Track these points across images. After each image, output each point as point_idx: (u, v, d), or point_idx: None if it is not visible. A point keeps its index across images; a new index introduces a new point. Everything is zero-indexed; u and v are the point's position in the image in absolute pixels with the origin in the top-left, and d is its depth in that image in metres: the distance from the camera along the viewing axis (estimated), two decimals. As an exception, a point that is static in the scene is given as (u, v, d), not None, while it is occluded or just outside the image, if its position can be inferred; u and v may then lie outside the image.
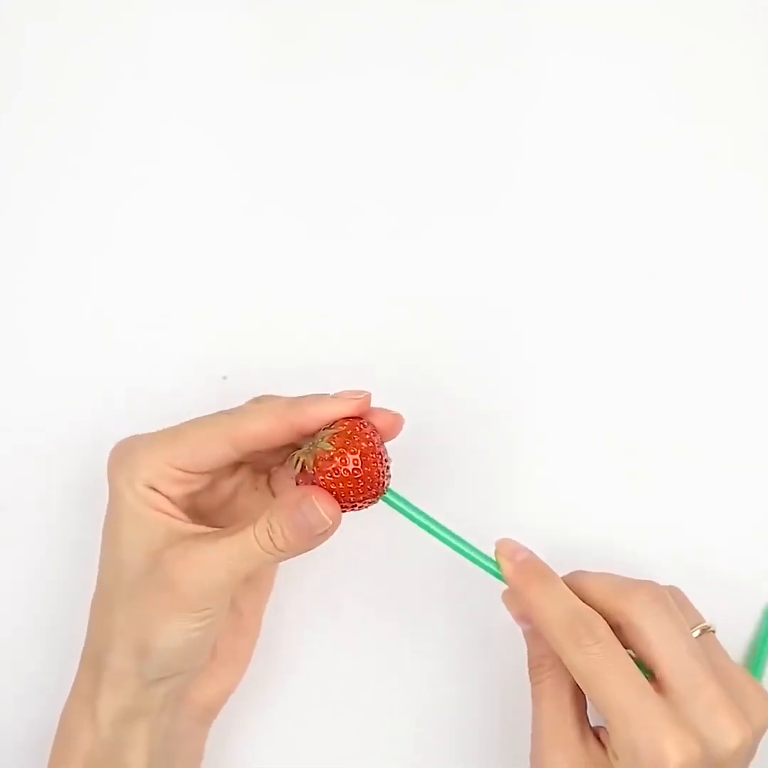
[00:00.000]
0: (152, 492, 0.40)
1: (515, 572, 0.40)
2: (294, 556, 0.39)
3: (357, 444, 0.38)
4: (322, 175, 0.49)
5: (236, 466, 0.43)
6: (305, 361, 0.48)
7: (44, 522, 0.48)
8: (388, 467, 0.39)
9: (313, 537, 0.38)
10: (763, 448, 0.49)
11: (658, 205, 0.49)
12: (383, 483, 0.39)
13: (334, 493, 0.38)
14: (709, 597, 0.42)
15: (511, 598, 0.42)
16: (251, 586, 0.44)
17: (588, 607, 0.39)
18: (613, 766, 0.38)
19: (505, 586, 0.41)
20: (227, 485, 0.44)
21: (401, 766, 0.47)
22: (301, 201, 0.49)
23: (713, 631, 0.41)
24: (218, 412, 0.41)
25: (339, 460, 0.38)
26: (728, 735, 0.37)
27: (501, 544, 0.41)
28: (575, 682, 0.39)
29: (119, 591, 0.40)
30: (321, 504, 0.38)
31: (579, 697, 0.40)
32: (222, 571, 0.38)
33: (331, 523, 0.38)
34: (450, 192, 0.49)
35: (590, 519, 0.48)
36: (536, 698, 0.41)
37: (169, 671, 0.40)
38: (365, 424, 0.39)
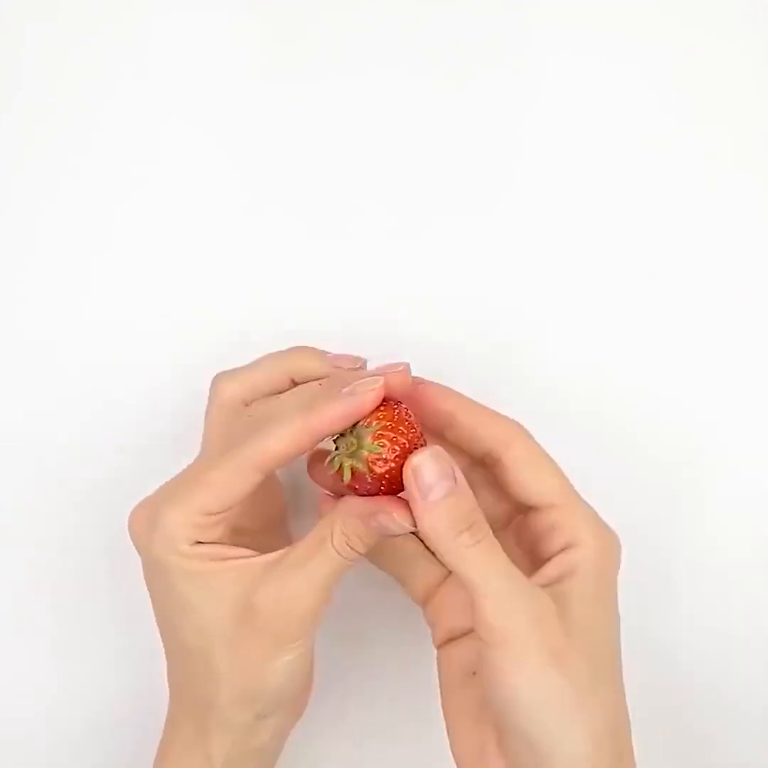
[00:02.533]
0: (199, 546, 0.38)
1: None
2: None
3: (404, 435, 0.37)
4: (322, 175, 0.49)
5: None
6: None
7: (42, 521, 0.48)
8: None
9: (390, 535, 0.38)
10: (763, 447, 0.49)
11: (658, 205, 0.49)
12: None
13: (391, 486, 0.37)
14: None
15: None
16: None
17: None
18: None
19: None
20: None
21: (402, 765, 0.48)
22: (301, 201, 0.49)
23: None
24: (232, 446, 0.38)
25: (393, 461, 0.37)
26: (613, 538, 0.40)
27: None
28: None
29: (213, 648, 0.38)
30: (399, 515, 0.37)
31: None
32: (317, 594, 0.38)
33: (410, 529, 0.37)
34: (450, 192, 0.49)
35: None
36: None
37: (280, 706, 0.40)
38: (399, 407, 0.38)
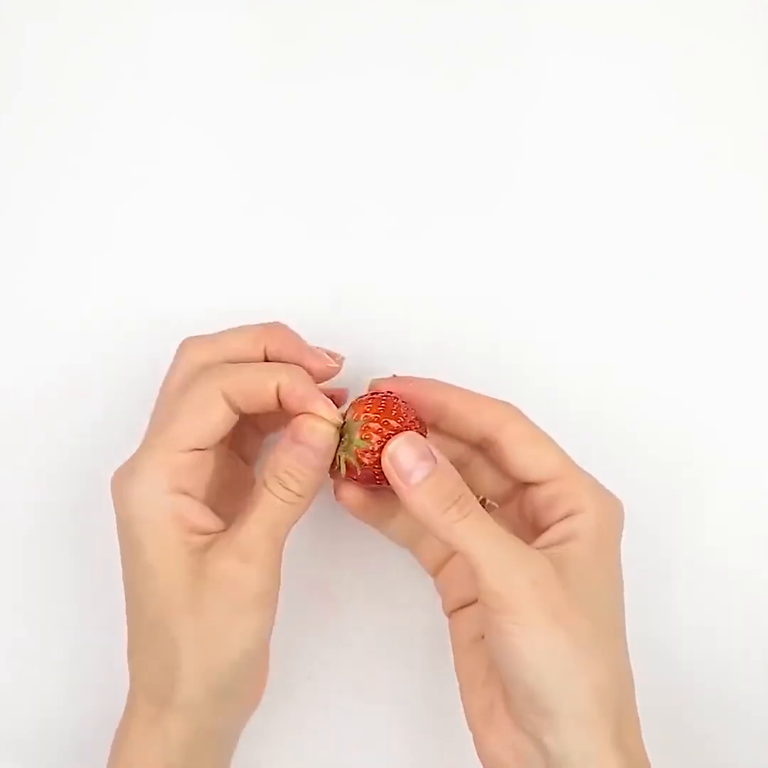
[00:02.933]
0: (172, 500, 0.39)
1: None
2: (314, 497, 0.39)
3: (389, 426, 0.38)
4: (322, 175, 0.49)
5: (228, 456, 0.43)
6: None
7: (41, 520, 0.48)
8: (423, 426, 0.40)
9: (319, 459, 0.38)
10: (763, 447, 0.49)
11: (658, 205, 0.49)
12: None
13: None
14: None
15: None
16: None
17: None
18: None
19: None
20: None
21: (403, 763, 0.48)
22: (301, 201, 0.49)
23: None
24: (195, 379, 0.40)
25: (379, 452, 0.38)
26: (615, 503, 0.41)
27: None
28: None
29: (173, 616, 0.38)
30: (314, 419, 0.38)
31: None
32: (268, 546, 0.38)
33: (333, 421, 0.38)
34: (450, 192, 0.49)
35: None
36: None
37: (237, 682, 0.39)
38: (387, 398, 0.39)
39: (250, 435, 0.45)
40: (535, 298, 0.49)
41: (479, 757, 0.41)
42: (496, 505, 0.42)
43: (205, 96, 0.49)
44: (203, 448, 0.40)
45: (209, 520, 0.40)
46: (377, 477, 0.39)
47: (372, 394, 0.40)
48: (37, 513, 0.48)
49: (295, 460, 0.39)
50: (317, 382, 0.40)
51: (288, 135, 0.49)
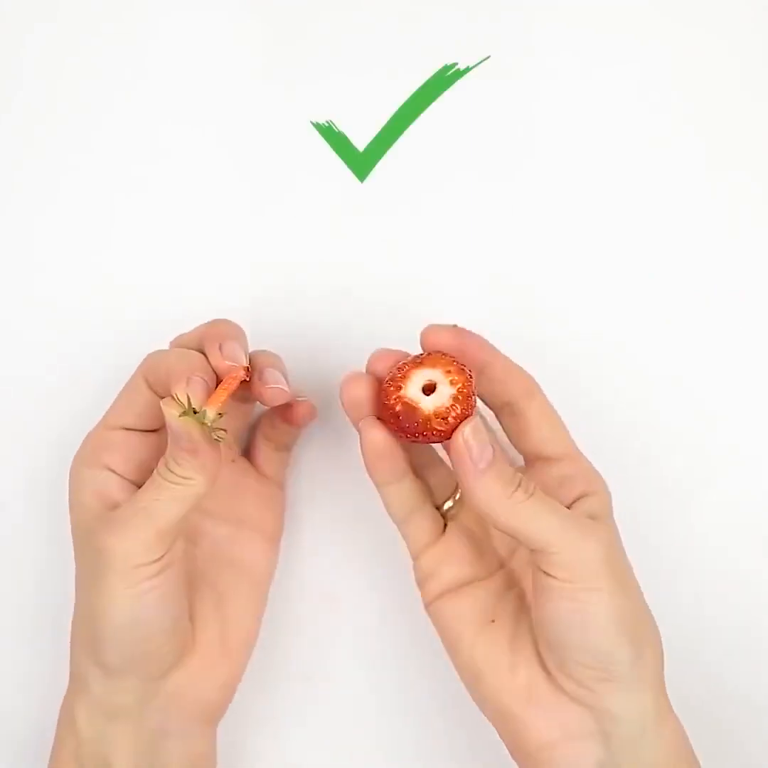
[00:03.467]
0: (91, 470, 0.41)
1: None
2: (207, 482, 0.39)
3: (467, 394, 0.39)
4: (323, 175, 0.49)
5: None
6: (306, 361, 0.48)
7: (43, 520, 0.48)
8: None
9: (188, 439, 0.38)
10: (763, 447, 0.49)
11: (658, 204, 0.49)
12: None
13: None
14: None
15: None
16: (231, 573, 0.44)
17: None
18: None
19: None
20: None
21: (404, 763, 0.47)
22: (302, 201, 0.49)
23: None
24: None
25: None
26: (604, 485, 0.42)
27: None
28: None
29: (78, 589, 0.41)
30: (163, 404, 0.38)
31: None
32: (137, 521, 0.39)
33: (168, 411, 0.38)
34: (449, 194, 0.49)
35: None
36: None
37: (126, 655, 0.40)
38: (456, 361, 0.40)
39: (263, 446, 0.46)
40: (534, 299, 0.49)
41: (516, 745, 0.40)
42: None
43: (205, 96, 0.49)
44: (130, 427, 0.41)
45: (129, 496, 0.40)
46: (428, 432, 0.39)
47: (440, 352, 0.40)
48: (36, 513, 0.48)
49: (171, 443, 0.39)
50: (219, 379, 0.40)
51: (288, 135, 0.49)
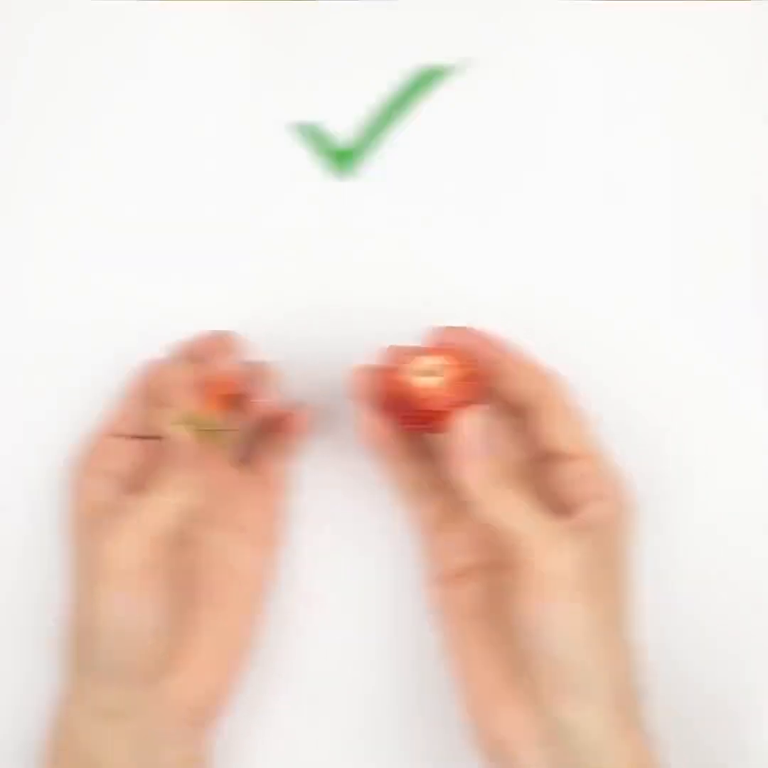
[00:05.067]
0: (82, 474, 0.42)
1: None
2: (201, 492, 0.40)
3: (469, 385, 0.40)
4: (323, 175, 0.49)
5: None
6: (307, 363, 0.48)
7: (42, 525, 0.48)
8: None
9: (183, 448, 0.39)
10: (763, 447, 0.49)
11: (657, 205, 0.49)
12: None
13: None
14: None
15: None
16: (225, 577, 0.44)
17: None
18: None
19: None
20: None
21: (404, 763, 0.48)
22: (302, 201, 0.49)
23: None
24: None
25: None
26: (630, 496, 0.42)
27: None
28: None
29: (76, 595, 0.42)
30: None
31: None
32: (138, 530, 0.39)
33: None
34: (449, 195, 0.50)
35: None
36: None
37: (118, 659, 0.40)
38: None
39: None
40: (533, 299, 0.49)
41: (480, 739, 0.41)
42: None
43: (205, 96, 0.49)
44: (127, 434, 0.43)
45: (125, 503, 0.41)
46: (428, 420, 0.40)
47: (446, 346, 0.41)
48: (34, 518, 0.48)
49: (167, 452, 0.40)
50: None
51: (287, 135, 0.49)
